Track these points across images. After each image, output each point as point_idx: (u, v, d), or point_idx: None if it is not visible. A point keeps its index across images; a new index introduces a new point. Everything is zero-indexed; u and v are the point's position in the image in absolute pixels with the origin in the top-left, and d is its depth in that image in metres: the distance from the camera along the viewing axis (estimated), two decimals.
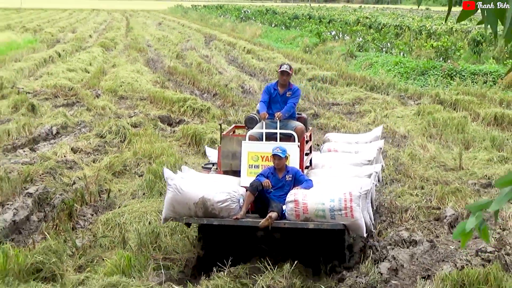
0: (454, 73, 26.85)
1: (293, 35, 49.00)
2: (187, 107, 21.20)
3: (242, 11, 75.59)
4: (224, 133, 11.68)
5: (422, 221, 11.68)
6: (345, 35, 42.37)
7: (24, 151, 16.08)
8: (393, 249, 10.30)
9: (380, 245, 10.53)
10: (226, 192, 9.85)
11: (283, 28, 55.51)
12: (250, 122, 11.56)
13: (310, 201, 9.59)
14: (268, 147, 10.58)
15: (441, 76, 26.88)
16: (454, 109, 20.78)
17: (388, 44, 36.48)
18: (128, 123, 18.31)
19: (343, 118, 20.65)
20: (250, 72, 32.17)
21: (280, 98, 11.65)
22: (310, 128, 12.97)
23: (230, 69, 31.94)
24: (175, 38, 49.02)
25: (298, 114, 12.18)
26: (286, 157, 10.34)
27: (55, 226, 11.16)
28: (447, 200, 12.30)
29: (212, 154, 12.27)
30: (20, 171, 13.45)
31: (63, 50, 36.86)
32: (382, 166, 13.14)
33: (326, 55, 37.19)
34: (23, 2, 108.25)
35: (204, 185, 10.17)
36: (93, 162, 15.24)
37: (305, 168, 11.25)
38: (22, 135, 17.51)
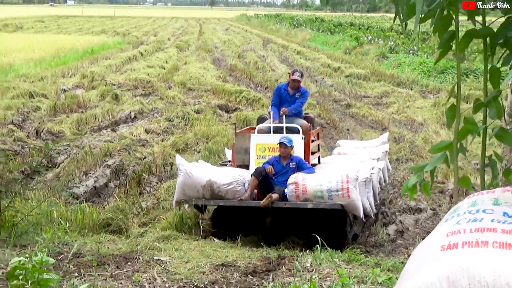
0: (469, 72, 26.48)
1: (336, 39, 48.73)
2: (242, 97, 21.38)
3: (295, 19, 75.35)
4: (238, 131, 11.23)
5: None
6: (379, 39, 42.01)
7: (106, 132, 16.51)
8: (401, 215, 10.38)
9: (390, 211, 10.60)
10: (231, 175, 9.55)
11: (328, 33, 55.20)
12: (262, 121, 11.27)
13: (309, 183, 9.14)
14: (274, 139, 10.16)
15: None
16: (466, 102, 20.60)
17: (415, 47, 36.10)
18: (192, 110, 18.59)
19: (371, 108, 20.61)
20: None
21: (289, 98, 11.16)
22: (318, 128, 12.50)
23: (281, 67, 31.96)
24: (238, 41, 49.14)
25: (305, 114, 11.68)
26: (292, 147, 9.90)
27: (126, 191, 11.49)
28: (450, 176, 12.25)
29: (229, 154, 11.61)
30: (102, 147, 13.84)
31: (145, 50, 37.32)
32: (388, 169, 12.52)
33: (362, 56, 36.95)
34: (116, 11, 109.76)
35: (212, 170, 9.89)
36: (162, 141, 15.57)
37: (313, 165, 10.66)
38: (106, 119, 17.94)
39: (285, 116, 10.76)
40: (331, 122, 18.32)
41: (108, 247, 7.53)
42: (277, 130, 10.63)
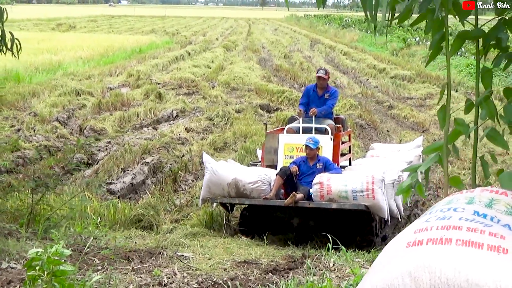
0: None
1: (383, 40, 48.38)
2: (284, 97, 21.42)
3: (344, 19, 74.98)
4: (268, 131, 11.10)
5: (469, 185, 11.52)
6: (427, 40, 41.54)
7: (148, 130, 16.75)
8: None
9: (422, 213, 10.52)
10: (257, 174, 9.49)
11: (377, 34, 54.77)
12: (292, 121, 11.07)
13: (334, 183, 8.96)
14: (302, 139, 9.93)
15: (505, 77, 26.09)
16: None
17: (463, 48, 35.59)
18: (233, 109, 18.70)
19: (413, 110, 20.40)
20: (343, 70, 32.05)
21: (318, 99, 10.83)
22: (349, 129, 12.15)
23: (327, 68, 31.87)
24: (285, 41, 49.18)
25: (336, 115, 11.33)
26: (318, 148, 9.71)
27: (161, 188, 11.65)
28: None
29: (260, 154, 11.42)
30: (141, 145, 14.05)
31: (193, 50, 37.67)
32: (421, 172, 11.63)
33: (409, 57, 36.63)
34: (167, 11, 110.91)
35: (238, 169, 9.86)
36: (201, 139, 15.71)
37: (343, 167, 10.56)
38: (148, 117, 18.20)
39: (314, 117, 10.52)
40: (371, 123, 18.23)
41: (136, 242, 7.69)
42: (306, 130, 10.44)
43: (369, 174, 9.01)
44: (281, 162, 10.15)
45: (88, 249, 6.62)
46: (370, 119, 18.50)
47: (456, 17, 3.05)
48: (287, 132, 10.62)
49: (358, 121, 18.41)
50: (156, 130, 16.65)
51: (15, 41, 6.84)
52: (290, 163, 9.74)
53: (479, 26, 3.10)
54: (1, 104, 17.97)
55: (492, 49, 3.13)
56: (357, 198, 8.83)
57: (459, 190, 2.94)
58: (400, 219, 10.15)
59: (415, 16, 3.25)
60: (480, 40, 3.09)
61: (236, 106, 19.60)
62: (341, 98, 21.94)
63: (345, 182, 8.93)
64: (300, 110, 10.79)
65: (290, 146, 10.29)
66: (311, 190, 9.22)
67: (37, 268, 4.69)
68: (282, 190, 9.62)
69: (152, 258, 6.73)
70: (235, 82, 25.22)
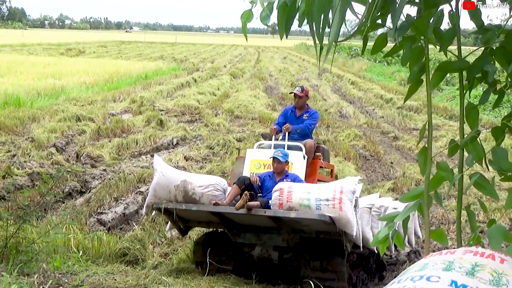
0: None
1: (392, 70, 48.18)
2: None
3: (353, 49, 74.94)
4: (240, 156, 10.08)
5: (468, 233, 11.09)
6: None
7: (146, 157, 16.38)
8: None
9: (423, 251, 10.08)
10: (210, 179, 8.45)
11: (385, 64, 54.61)
12: (265, 137, 10.70)
13: (296, 190, 7.75)
14: (270, 155, 8.72)
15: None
16: None
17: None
18: (234, 138, 18.31)
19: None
20: (350, 100, 31.70)
21: (296, 120, 10.05)
22: (332, 164, 10.97)
23: (333, 97, 31.58)
24: (293, 70, 49.00)
25: (317, 143, 10.27)
26: (287, 162, 8.60)
27: (153, 220, 11.25)
28: (493, 216, 11.64)
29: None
30: (137, 173, 13.68)
31: (199, 77, 37.44)
32: (418, 235, 9.97)
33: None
34: (178, 38, 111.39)
35: (190, 173, 8.99)
36: (199, 168, 15.29)
37: None
38: (147, 144, 17.84)
39: (288, 134, 9.70)
40: (375, 154, 17.83)
41: (116, 279, 7.28)
42: (278, 147, 9.36)
43: (338, 183, 7.86)
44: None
45: (61, 287, 6.24)
46: (374, 150, 18.11)
47: (437, 46, 2.67)
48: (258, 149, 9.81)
49: (362, 152, 18.02)
50: (152, 157, 16.28)
51: None
52: (258, 176, 8.68)
53: (463, 56, 2.73)
54: None
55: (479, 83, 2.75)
56: (320, 207, 7.54)
57: (443, 244, 2.53)
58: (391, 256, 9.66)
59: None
60: (465, 73, 2.71)
61: (238, 135, 19.21)
62: (345, 128, 21.67)
63: (308, 190, 7.76)
64: (273, 128, 10.02)
65: (257, 163, 9.36)
66: (270, 201, 8.07)
67: None
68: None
69: None
70: (239, 110, 24.89)
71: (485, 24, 2.66)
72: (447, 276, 2.02)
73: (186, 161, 16.03)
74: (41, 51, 59.13)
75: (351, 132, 20.45)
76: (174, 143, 18.29)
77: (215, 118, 22.68)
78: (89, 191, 12.61)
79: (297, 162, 9.17)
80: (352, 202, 7.56)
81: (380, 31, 2.81)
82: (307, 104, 10.39)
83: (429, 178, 2.68)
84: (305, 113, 10.18)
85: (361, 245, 8.06)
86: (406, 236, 8.61)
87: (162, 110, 23.82)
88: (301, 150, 9.40)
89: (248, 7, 2.80)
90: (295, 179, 8.50)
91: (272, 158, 8.57)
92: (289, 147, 9.38)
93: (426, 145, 2.75)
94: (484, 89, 2.84)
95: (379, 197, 9.55)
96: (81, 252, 8.30)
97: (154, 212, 8.65)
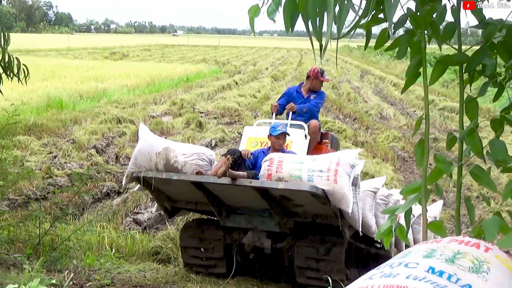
0: None
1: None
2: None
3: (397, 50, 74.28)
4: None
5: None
6: None
7: None
8: None
9: None
10: (195, 148, 7.61)
11: (428, 65, 54.05)
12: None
13: (287, 160, 6.87)
14: (267, 132, 7.82)
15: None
16: None
17: None
18: None
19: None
20: (391, 101, 31.51)
21: (301, 100, 9.20)
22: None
23: (374, 99, 31.41)
24: (335, 72, 48.85)
25: (326, 130, 9.34)
26: (285, 135, 7.64)
27: (188, 219, 11.38)
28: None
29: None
30: None
31: (240, 79, 37.59)
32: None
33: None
34: (221, 41, 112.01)
35: (176, 142, 7.99)
36: None
37: None
38: None
39: (291, 113, 8.93)
40: (414, 156, 17.68)
41: (146, 276, 7.40)
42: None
43: (335, 155, 7.03)
44: None
45: (91, 283, 6.38)
46: (413, 152, 17.97)
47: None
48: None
49: (400, 153, 17.93)
50: None
51: (22, 67, 6.68)
52: (250, 154, 7.76)
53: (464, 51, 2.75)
54: (42, 131, 18.08)
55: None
56: (312, 179, 6.63)
57: (442, 237, 2.56)
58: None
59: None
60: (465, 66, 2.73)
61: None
62: (384, 129, 21.54)
63: (301, 160, 6.89)
64: (274, 105, 9.28)
65: (254, 140, 8.52)
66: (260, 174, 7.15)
67: None
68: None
69: None
70: None
71: (487, 19, 2.67)
72: (426, 263, 2.05)
73: None
74: (86, 55, 60.10)
75: (390, 134, 20.36)
76: (213, 144, 18.42)
77: (254, 120, 22.74)
78: (126, 192, 12.80)
79: (297, 141, 8.36)
80: (349, 176, 6.69)
81: (383, 25, 2.84)
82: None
83: (426, 170, 2.70)
84: (313, 94, 9.42)
85: (360, 230, 7.17)
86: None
87: (202, 112, 24.01)
88: (303, 129, 8.68)
89: (255, 1, 2.86)
90: None
91: (277, 136, 7.59)
92: (292, 126, 8.65)
93: (423, 138, 2.76)
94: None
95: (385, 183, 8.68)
96: (114, 250, 8.45)
97: (137, 186, 7.87)
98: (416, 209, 7.93)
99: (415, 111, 27.87)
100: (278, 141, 7.56)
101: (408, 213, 2.82)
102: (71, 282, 5.99)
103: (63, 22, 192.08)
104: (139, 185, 7.68)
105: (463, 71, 2.77)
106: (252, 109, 25.91)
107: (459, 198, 2.74)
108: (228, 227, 7.78)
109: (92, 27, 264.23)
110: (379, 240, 7.98)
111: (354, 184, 6.89)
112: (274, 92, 32.83)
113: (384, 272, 2.06)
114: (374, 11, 2.66)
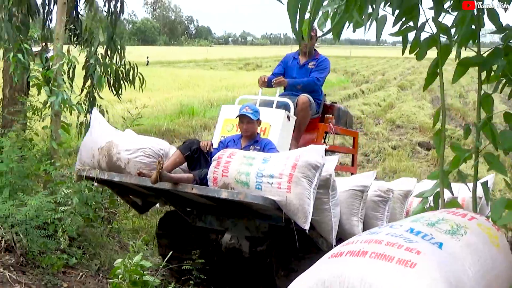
0: None
1: None
2: (446, 136, 20.88)
3: None
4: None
5: None
6: None
7: None
8: None
9: None
10: (141, 142, 6.28)
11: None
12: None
13: (236, 160, 5.52)
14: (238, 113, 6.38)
15: None
16: None
17: None
18: (389, 146, 18.54)
19: None
20: None
21: (298, 69, 7.61)
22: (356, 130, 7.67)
23: (500, 107, 30.58)
24: (465, 81, 47.64)
25: (332, 102, 8.14)
26: (258, 121, 6.31)
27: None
28: None
29: None
30: None
31: (367, 88, 37.65)
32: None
33: None
34: (352, 51, 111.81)
35: (124, 133, 6.64)
36: (351, 174, 15.74)
37: None
38: None
39: (284, 90, 7.49)
40: None
41: None
42: (265, 106, 7.16)
43: (293, 153, 5.55)
44: (216, 144, 6.64)
45: None
46: None
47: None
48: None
49: None
50: None
51: (138, 75, 7.39)
52: (219, 142, 6.53)
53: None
54: (175, 135, 19.19)
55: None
56: (261, 186, 5.33)
57: None
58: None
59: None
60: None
61: (393, 143, 19.37)
62: None
63: (251, 161, 5.48)
64: (263, 78, 7.52)
65: (230, 123, 7.05)
66: None
67: (120, 276, 5.11)
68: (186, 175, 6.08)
69: None
70: (401, 120, 24.94)
71: (503, 25, 2.98)
72: (409, 225, 2.41)
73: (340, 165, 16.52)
74: (221, 66, 61.94)
75: None
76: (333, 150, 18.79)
77: (375, 127, 22.92)
78: None
79: (277, 124, 6.79)
80: (310, 181, 5.31)
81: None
82: (315, 50, 7.92)
83: (443, 157, 3.04)
84: (312, 61, 7.76)
85: (334, 244, 5.84)
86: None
87: None
88: (288, 108, 7.16)
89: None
90: (265, 146, 6.24)
91: (240, 119, 6.31)
92: (280, 105, 7.24)
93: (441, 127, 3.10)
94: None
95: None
96: None
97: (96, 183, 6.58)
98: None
99: None
100: (242, 126, 6.28)
101: (437, 196, 3.16)
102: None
103: (202, 35, 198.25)
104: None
105: (480, 71, 3.07)
106: (375, 117, 26.03)
107: (475, 180, 3.06)
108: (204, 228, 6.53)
109: (230, 39, 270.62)
110: None
111: (326, 187, 5.70)
112: (400, 101, 32.69)
113: (372, 231, 2.46)
114: (404, 19, 3.03)
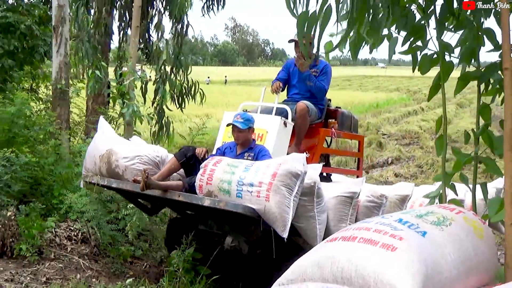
0: None
1: None
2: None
3: None
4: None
5: None
6: None
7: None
8: None
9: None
10: (139, 149, 6.12)
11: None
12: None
13: (219, 168, 5.28)
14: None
15: None
16: None
17: None
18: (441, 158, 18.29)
19: None
20: None
21: (300, 76, 7.17)
22: (361, 135, 8.26)
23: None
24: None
25: (336, 107, 7.67)
26: (250, 129, 5.98)
27: None
28: None
29: None
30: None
31: (426, 106, 37.12)
32: None
33: None
34: (416, 72, 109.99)
35: (124, 141, 6.58)
36: None
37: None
38: (364, 162, 18.44)
39: (278, 96, 6.97)
40: None
41: None
42: (266, 112, 6.86)
43: (274, 161, 5.25)
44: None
45: None
46: None
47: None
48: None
49: None
50: (367, 173, 16.85)
51: (199, 91, 7.64)
52: (217, 149, 6.33)
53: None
54: None
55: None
56: (241, 194, 5.09)
57: None
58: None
59: None
60: None
61: (447, 156, 19.06)
62: None
63: (233, 169, 5.25)
64: (277, 84, 7.09)
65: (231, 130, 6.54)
66: None
67: (175, 265, 5.36)
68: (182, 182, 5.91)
69: None
70: (456, 135, 24.52)
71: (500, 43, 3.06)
72: (399, 216, 2.53)
73: (396, 177, 16.42)
74: None
75: None
76: (389, 162, 18.71)
77: (430, 142, 22.64)
78: None
79: (273, 130, 6.46)
80: (291, 190, 5.04)
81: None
82: (315, 54, 6.75)
83: (445, 159, 3.14)
84: (313, 68, 7.21)
85: (285, 234, 5.27)
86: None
87: (385, 134, 24.29)
88: (286, 114, 6.78)
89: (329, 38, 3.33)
90: (259, 153, 5.94)
91: (232, 128, 6.04)
92: (277, 112, 6.83)
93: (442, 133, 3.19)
94: None
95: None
96: None
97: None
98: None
99: None
100: (234, 134, 6.03)
101: (441, 197, 3.25)
102: None
103: (278, 57, 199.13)
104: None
105: (479, 83, 3.16)
106: (432, 132, 25.68)
107: (475, 182, 3.14)
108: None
109: None
110: None
111: (311, 194, 5.39)
112: (458, 117, 32.14)
113: (365, 220, 2.60)
114: (413, 38, 3.15)
